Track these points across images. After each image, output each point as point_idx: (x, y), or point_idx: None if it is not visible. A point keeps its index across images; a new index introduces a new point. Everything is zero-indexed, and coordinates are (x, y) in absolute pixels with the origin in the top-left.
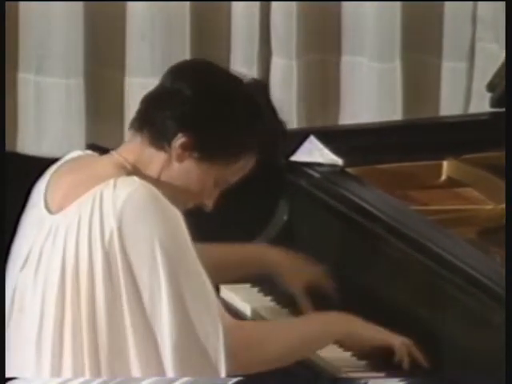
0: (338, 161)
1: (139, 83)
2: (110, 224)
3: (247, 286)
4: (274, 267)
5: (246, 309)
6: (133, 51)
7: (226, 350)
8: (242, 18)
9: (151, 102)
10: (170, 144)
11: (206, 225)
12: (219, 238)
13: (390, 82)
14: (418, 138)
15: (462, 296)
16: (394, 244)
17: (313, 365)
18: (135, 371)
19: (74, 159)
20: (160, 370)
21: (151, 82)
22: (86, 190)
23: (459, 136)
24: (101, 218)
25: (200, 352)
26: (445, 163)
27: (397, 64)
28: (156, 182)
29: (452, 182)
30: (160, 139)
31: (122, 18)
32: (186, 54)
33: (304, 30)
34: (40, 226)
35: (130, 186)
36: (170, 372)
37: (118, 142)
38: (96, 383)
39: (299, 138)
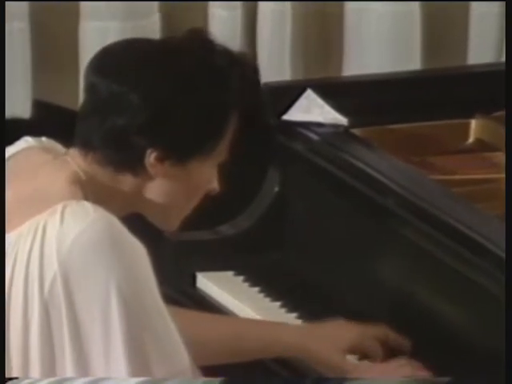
0: (342, 120)
1: (96, 28)
2: (53, 268)
3: (230, 273)
4: (297, 353)
5: (226, 302)
6: None
7: None
8: None
9: (91, 119)
10: (141, 164)
11: None
12: (199, 213)
13: (407, 26)
14: (440, 91)
15: (493, 285)
16: (409, 222)
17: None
18: None
19: (23, 153)
20: None
21: (111, 27)
22: (31, 210)
23: (490, 89)
24: (41, 259)
25: None
26: (473, 122)
27: (415, 6)
28: (138, 204)
29: (481, 146)
30: (123, 162)
31: None
32: None
33: None
34: None
35: (82, 221)
36: None
37: (71, 97)
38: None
39: (294, 92)
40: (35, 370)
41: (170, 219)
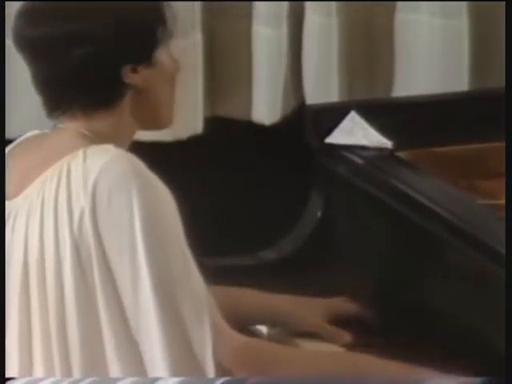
0: (387, 143)
1: None
2: (80, 204)
3: None
4: (285, 318)
5: (262, 328)
6: None
7: (219, 362)
8: None
9: (54, 75)
10: (121, 84)
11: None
12: (240, 238)
13: (456, 42)
14: (488, 112)
15: None
16: (457, 248)
17: None
18: (114, 371)
19: (28, 139)
20: (141, 368)
21: None
22: (49, 165)
23: None
24: (68, 197)
25: (189, 353)
26: None
27: (464, 21)
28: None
29: None
30: (105, 94)
31: None
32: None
33: None
34: None
35: (104, 156)
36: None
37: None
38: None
39: (338, 113)
40: (71, 308)
41: (164, 116)
